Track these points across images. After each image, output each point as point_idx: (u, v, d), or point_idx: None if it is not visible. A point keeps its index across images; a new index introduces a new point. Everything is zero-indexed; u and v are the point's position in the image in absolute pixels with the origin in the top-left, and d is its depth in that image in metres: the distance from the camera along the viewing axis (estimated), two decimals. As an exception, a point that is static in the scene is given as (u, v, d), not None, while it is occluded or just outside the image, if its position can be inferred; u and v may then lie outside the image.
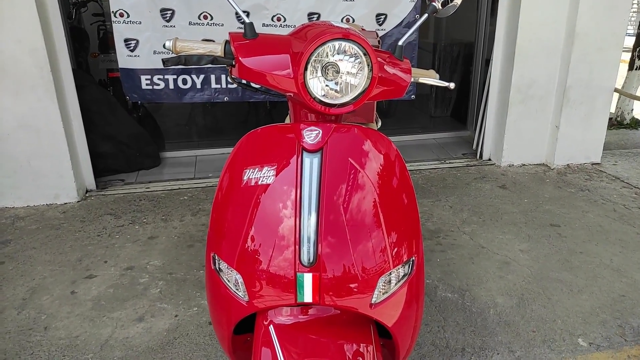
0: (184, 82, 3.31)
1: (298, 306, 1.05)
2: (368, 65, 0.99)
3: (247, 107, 5.14)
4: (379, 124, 2.04)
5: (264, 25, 3.23)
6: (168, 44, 1.11)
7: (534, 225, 2.81)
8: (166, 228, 2.78)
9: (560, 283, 2.26)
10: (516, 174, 3.58)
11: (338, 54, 0.98)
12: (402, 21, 3.43)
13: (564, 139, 3.63)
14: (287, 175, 1.01)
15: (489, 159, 3.85)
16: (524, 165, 3.74)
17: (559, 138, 3.62)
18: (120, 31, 3.09)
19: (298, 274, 0.96)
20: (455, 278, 2.30)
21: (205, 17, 3.17)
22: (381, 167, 1.07)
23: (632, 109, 5.18)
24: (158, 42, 3.14)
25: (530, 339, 1.91)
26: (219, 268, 1.06)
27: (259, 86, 1.19)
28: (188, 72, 3.29)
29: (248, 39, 1.07)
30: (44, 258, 2.48)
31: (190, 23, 3.16)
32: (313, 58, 0.97)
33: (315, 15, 3.30)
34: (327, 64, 0.98)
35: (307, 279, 0.96)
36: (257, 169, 1.04)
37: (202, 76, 3.31)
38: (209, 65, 1.09)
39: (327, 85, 1.00)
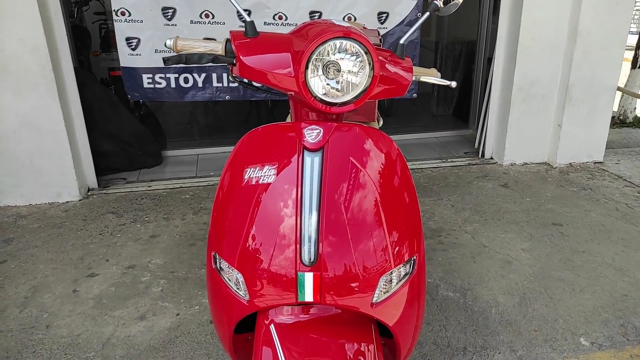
0: (186, 80, 3.31)
1: (299, 305, 1.04)
2: (369, 63, 0.99)
3: (249, 105, 5.14)
4: (381, 122, 2.04)
5: (265, 23, 3.23)
6: (169, 42, 1.10)
7: (536, 224, 2.80)
8: (168, 227, 2.78)
9: (562, 282, 2.26)
10: (518, 172, 3.58)
11: (339, 52, 0.98)
12: (404, 19, 3.42)
13: (566, 138, 3.62)
14: (288, 174, 1.01)
15: (491, 158, 3.85)
16: (526, 164, 3.73)
17: (561, 137, 3.61)
18: (121, 30, 3.09)
19: (299, 273, 0.96)
20: (457, 277, 2.29)
21: (207, 16, 3.17)
22: (382, 166, 1.07)
23: (635, 108, 5.16)
24: (159, 40, 3.14)
25: (532, 339, 1.90)
26: (220, 267, 1.06)
27: (260, 85, 1.19)
28: (190, 70, 3.29)
29: (249, 38, 1.07)
30: (45, 256, 2.48)
31: (191, 22, 3.15)
32: (314, 57, 0.97)
33: (317, 14, 3.30)
34: (328, 63, 0.98)
35: (308, 278, 0.96)
36: (258, 168, 1.04)
37: (203, 75, 3.31)
38: (210, 64, 1.09)
39: (328, 84, 1.00)
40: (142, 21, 3.09)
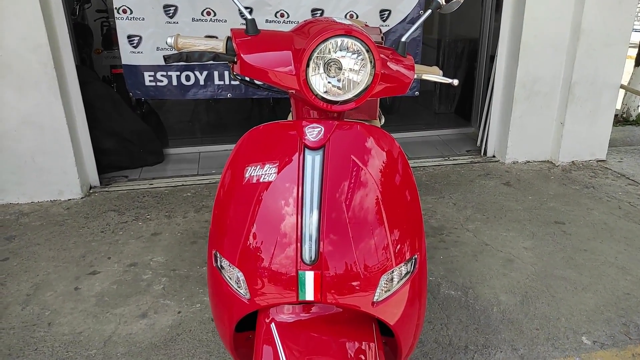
0: (187, 78, 3.31)
1: (300, 304, 1.04)
2: (371, 62, 0.99)
3: (251, 103, 5.14)
4: (382, 120, 2.03)
5: (267, 21, 3.23)
6: (170, 40, 1.10)
7: (538, 223, 2.79)
8: (169, 224, 2.79)
9: (565, 281, 2.25)
10: (520, 171, 3.57)
11: (340, 50, 0.97)
12: (406, 17, 3.41)
13: (569, 136, 3.61)
14: (289, 172, 1.00)
15: (493, 156, 3.84)
16: (528, 162, 3.72)
17: (564, 135, 3.60)
18: (123, 27, 3.09)
19: (300, 271, 0.96)
20: (459, 275, 2.29)
21: (209, 13, 3.16)
22: (384, 165, 1.07)
23: (638, 106, 5.14)
24: (161, 38, 3.13)
25: (534, 337, 1.90)
26: (221, 265, 1.06)
27: (262, 83, 1.19)
28: (191, 68, 3.29)
29: (250, 36, 1.06)
30: (47, 254, 2.49)
31: (193, 19, 3.15)
32: (315, 55, 0.97)
33: (319, 11, 3.29)
34: (330, 61, 0.98)
35: (309, 276, 0.96)
36: (258, 167, 1.03)
37: (205, 73, 3.31)
38: (211, 62, 1.09)
39: (329, 82, 0.99)
40: (143, 19, 3.08)
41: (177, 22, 3.13)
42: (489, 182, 3.37)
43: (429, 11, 1.17)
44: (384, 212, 1.02)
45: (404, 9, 3.39)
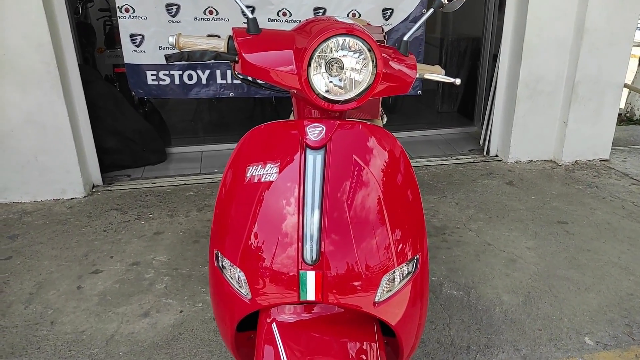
0: (190, 77, 3.31)
1: (301, 304, 1.04)
2: (372, 61, 0.98)
3: (253, 102, 5.14)
4: (385, 119, 2.03)
5: (269, 20, 3.22)
6: (171, 39, 1.10)
7: (541, 223, 2.78)
8: (172, 224, 2.79)
9: (567, 281, 2.24)
10: (523, 170, 3.55)
11: (342, 49, 0.97)
12: (408, 16, 3.40)
13: (572, 135, 3.59)
14: (290, 172, 1.00)
15: (496, 155, 3.82)
16: (531, 161, 3.71)
17: (567, 134, 3.58)
18: (125, 26, 3.09)
19: (301, 271, 0.96)
20: (461, 275, 2.28)
21: (211, 12, 3.16)
22: (385, 164, 1.06)
23: (642, 105, 5.11)
24: (163, 37, 3.13)
25: (536, 337, 1.89)
26: (222, 265, 1.06)
27: (263, 82, 1.19)
28: (194, 67, 3.29)
29: (251, 35, 1.06)
30: (50, 253, 2.49)
31: (195, 18, 3.15)
32: (317, 54, 0.96)
33: (321, 10, 3.28)
34: (331, 60, 0.97)
35: (310, 276, 0.96)
36: (260, 166, 1.03)
37: (207, 72, 3.31)
38: (214, 61, 1.09)
39: (331, 82, 0.99)
40: (146, 18, 3.09)
41: (180, 21, 3.13)
42: (492, 181, 3.36)
43: (432, 10, 1.16)
44: (386, 212, 1.01)
45: (406, 8, 3.38)
